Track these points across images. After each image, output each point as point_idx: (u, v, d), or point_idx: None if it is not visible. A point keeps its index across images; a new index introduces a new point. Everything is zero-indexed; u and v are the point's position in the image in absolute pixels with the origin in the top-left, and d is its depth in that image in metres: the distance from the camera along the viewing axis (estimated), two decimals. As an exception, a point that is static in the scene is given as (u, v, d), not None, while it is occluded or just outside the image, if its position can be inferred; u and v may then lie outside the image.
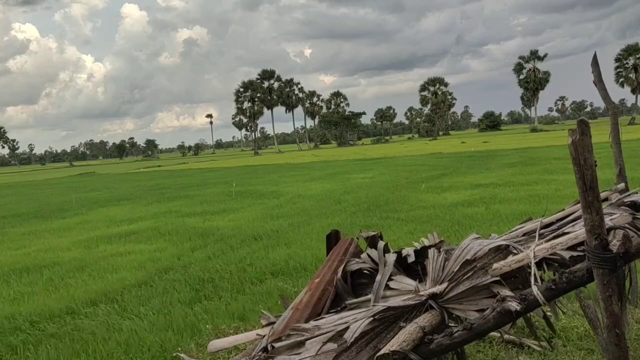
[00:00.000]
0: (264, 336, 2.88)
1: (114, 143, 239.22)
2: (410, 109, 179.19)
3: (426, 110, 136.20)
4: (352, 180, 23.20)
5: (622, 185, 3.14)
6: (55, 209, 20.88)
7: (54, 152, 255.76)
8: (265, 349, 2.52)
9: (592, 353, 4.22)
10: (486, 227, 9.31)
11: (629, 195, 2.83)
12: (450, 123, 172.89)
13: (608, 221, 2.12)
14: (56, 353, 5.27)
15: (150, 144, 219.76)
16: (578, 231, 2.26)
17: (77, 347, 5.35)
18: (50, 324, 6.29)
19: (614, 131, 3.28)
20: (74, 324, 6.19)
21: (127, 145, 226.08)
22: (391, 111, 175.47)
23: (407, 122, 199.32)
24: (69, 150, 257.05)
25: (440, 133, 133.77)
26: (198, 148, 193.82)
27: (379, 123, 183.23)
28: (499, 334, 4.30)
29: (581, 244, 2.18)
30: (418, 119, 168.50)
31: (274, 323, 3.03)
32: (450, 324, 2.38)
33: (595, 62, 3.27)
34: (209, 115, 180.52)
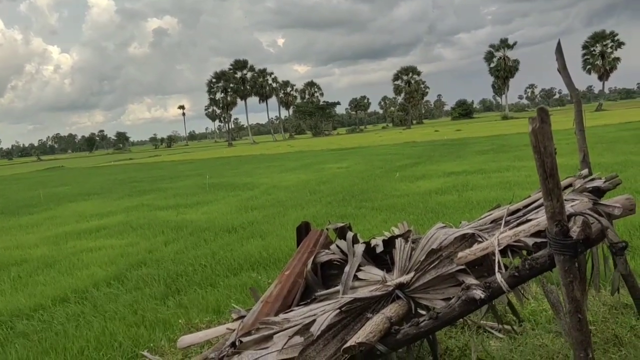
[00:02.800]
0: (234, 330, 2.86)
1: (83, 136, 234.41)
2: (384, 98, 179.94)
3: (400, 99, 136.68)
4: (327, 170, 23.21)
5: (585, 171, 3.19)
6: (23, 204, 20.40)
7: (21, 146, 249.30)
8: (233, 344, 2.50)
9: (560, 335, 4.31)
10: (459, 214, 9.41)
11: (590, 180, 2.88)
12: (423, 112, 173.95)
13: (569, 208, 2.15)
14: (25, 351, 5.16)
15: (121, 137, 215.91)
16: (540, 218, 2.28)
17: (47, 345, 5.25)
18: (19, 322, 6.15)
19: (577, 118, 3.32)
20: (44, 321, 6.07)
21: (97, 138, 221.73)
22: (365, 101, 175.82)
23: (381, 111, 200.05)
24: (36, 144, 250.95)
25: (414, 122, 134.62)
26: (171, 140, 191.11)
27: (354, 113, 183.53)
28: (470, 320, 4.34)
29: (544, 230, 2.20)
30: (392, 108, 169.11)
31: (244, 317, 3.01)
32: (420, 312, 2.39)
33: (559, 50, 3.30)
34: (182, 107, 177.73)
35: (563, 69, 3.35)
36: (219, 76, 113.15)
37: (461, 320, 4.04)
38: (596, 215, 2.05)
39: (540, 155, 1.79)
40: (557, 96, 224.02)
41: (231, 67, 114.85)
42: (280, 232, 9.85)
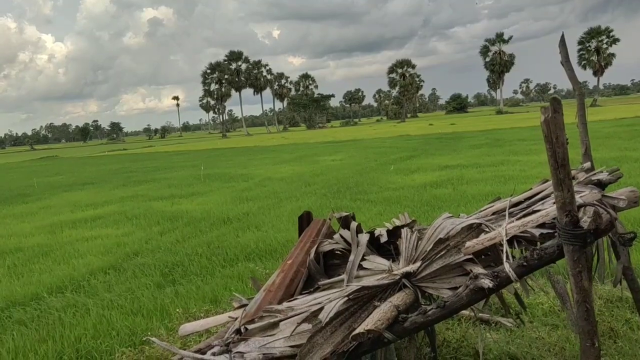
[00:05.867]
0: (236, 319, 2.86)
1: (77, 126, 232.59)
2: (379, 91, 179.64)
3: (394, 92, 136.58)
4: (322, 162, 23.19)
5: (588, 164, 3.20)
6: (17, 193, 20.29)
7: (15, 135, 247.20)
8: (238, 331, 2.50)
9: (556, 328, 4.35)
10: (454, 207, 9.45)
11: (595, 174, 2.89)
12: (418, 105, 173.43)
13: (578, 198, 2.16)
14: (22, 339, 5.14)
15: (115, 127, 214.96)
16: (549, 209, 2.29)
17: (44, 333, 5.24)
18: (16, 310, 6.14)
19: (580, 111, 3.33)
20: (40, 309, 6.05)
21: (91, 128, 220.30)
22: (360, 93, 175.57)
23: (375, 104, 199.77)
24: (29, 133, 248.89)
25: (409, 115, 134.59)
26: (165, 131, 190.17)
27: (348, 105, 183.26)
28: (468, 311, 4.37)
29: (550, 221, 2.22)
30: (386, 102, 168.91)
31: (246, 305, 3.01)
32: (422, 303, 2.41)
33: (562, 43, 3.30)
34: (176, 98, 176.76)
35: (566, 62, 3.34)
36: (214, 67, 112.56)
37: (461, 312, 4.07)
38: (605, 206, 2.06)
39: (552, 145, 1.79)
40: (551, 91, 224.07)
41: (226, 58, 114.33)
42: (275, 223, 9.87)
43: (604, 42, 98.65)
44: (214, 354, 2.23)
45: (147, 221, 11.39)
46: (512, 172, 13.99)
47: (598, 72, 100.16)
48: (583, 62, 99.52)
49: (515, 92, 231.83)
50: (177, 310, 5.52)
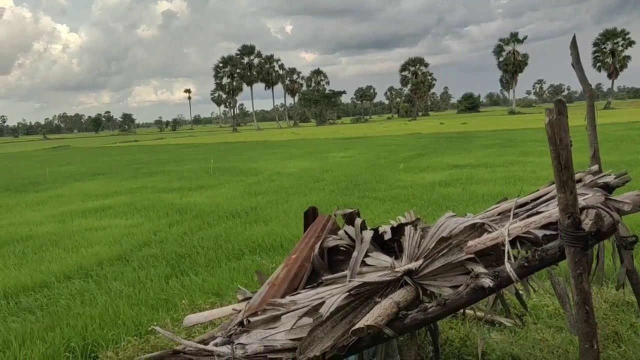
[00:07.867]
0: (239, 311, 2.89)
1: (89, 116, 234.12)
2: (391, 88, 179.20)
3: (406, 90, 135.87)
4: (331, 159, 23.19)
5: (595, 167, 3.19)
6: (29, 182, 20.49)
7: (28, 124, 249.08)
8: (241, 323, 2.53)
9: (560, 331, 4.34)
10: (462, 207, 9.43)
11: (601, 177, 2.88)
12: (429, 104, 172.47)
13: (581, 201, 2.16)
14: (30, 327, 5.21)
15: (127, 118, 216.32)
16: (552, 210, 2.30)
17: (51, 321, 5.30)
18: (24, 297, 6.22)
19: (589, 113, 3.31)
20: (48, 297, 6.13)
21: (103, 119, 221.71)
22: (371, 91, 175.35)
23: (387, 102, 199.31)
24: (42, 122, 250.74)
25: (420, 114, 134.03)
26: (176, 123, 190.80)
27: (359, 102, 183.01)
28: (472, 311, 4.38)
29: (554, 223, 2.22)
30: (398, 99, 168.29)
31: (250, 298, 3.04)
32: (424, 300, 2.42)
33: (574, 44, 3.28)
34: (187, 91, 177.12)
35: (577, 64, 3.33)
36: (226, 61, 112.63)
37: (462, 311, 4.07)
38: (608, 209, 2.06)
39: (556, 147, 1.80)
40: (565, 92, 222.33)
41: (238, 52, 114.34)
42: (283, 218, 9.90)
43: (620, 44, 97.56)
44: (216, 345, 2.27)
45: (156, 213, 11.47)
46: (523, 173, 13.92)
47: (613, 74, 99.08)
48: (598, 64, 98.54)
49: (528, 92, 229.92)
50: (183, 301, 5.56)
